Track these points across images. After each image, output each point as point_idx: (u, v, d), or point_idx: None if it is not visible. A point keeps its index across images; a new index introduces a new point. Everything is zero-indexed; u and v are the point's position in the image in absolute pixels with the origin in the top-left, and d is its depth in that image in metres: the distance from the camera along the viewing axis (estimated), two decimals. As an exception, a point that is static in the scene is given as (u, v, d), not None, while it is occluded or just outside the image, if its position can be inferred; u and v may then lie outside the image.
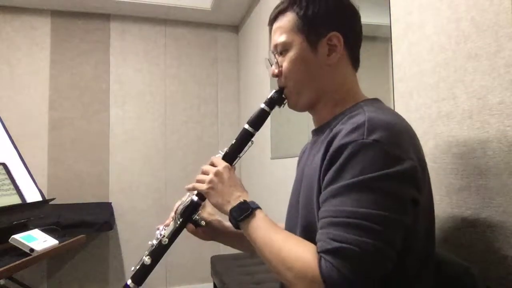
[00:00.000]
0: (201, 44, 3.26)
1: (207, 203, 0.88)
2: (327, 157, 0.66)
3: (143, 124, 3.06)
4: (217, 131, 3.25)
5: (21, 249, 1.31)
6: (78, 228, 2.28)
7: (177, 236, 0.85)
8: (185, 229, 0.87)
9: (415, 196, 0.62)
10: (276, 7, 0.82)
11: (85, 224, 2.37)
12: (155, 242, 0.86)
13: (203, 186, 0.80)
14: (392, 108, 0.78)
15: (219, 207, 0.79)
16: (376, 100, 0.78)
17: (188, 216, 0.86)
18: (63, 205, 2.67)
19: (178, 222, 0.85)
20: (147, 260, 0.85)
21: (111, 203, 2.88)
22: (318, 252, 0.59)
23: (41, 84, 2.84)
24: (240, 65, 3.35)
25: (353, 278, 0.55)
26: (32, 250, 1.31)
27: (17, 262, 1.21)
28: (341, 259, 0.56)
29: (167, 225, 0.88)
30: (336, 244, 0.57)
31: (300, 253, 0.62)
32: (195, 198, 0.85)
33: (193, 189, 0.83)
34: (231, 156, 0.85)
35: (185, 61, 3.20)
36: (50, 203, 1.75)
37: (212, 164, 0.83)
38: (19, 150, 1.76)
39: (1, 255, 1.28)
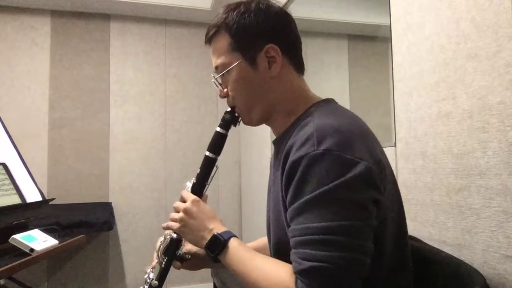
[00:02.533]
0: (201, 44, 3.23)
1: None
2: (284, 175, 0.67)
3: (143, 124, 3.06)
4: (217, 131, 3.24)
5: (21, 249, 1.31)
6: (78, 228, 2.27)
7: (166, 275, 0.85)
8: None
9: (375, 196, 0.62)
10: (208, 29, 0.81)
11: (85, 224, 2.36)
12: (146, 287, 0.85)
13: (175, 226, 0.81)
14: (348, 109, 0.77)
15: (195, 243, 0.80)
16: (327, 102, 0.79)
17: (172, 253, 0.86)
18: (63, 205, 2.67)
19: (164, 262, 0.85)
20: None
21: (111, 203, 2.88)
22: (294, 273, 0.61)
23: (41, 84, 2.84)
24: (240, 65, 3.34)
25: None
26: (32, 250, 1.31)
27: (17, 262, 1.21)
28: (315, 278, 0.57)
29: (153, 267, 0.87)
30: (308, 264, 0.58)
31: (277, 277, 0.63)
32: (175, 236, 0.85)
33: (168, 228, 0.83)
34: (199, 187, 0.85)
35: (185, 61, 3.20)
36: (50, 203, 1.75)
37: (182, 200, 0.83)
38: (19, 150, 1.76)
39: (1, 255, 1.28)
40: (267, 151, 2.51)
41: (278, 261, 0.68)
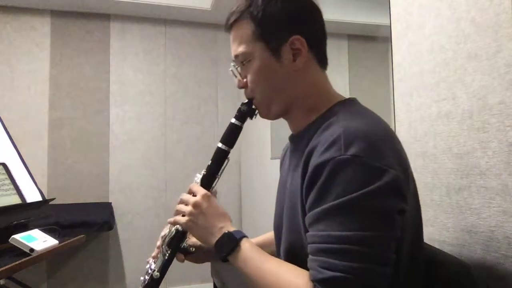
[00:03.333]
0: (201, 44, 3.26)
1: None
2: (307, 177, 0.63)
3: (143, 124, 3.06)
4: (217, 131, 3.25)
5: (21, 249, 1.31)
6: (78, 228, 2.27)
7: (168, 267, 0.83)
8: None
9: (401, 206, 0.60)
10: (231, 14, 0.75)
11: (85, 224, 2.36)
12: (146, 277, 0.83)
13: (183, 220, 0.76)
14: (368, 109, 0.75)
15: (202, 240, 0.76)
16: (351, 102, 0.75)
17: (176, 246, 0.83)
18: (63, 205, 2.66)
19: (167, 254, 0.82)
20: None
21: (111, 203, 2.88)
22: (312, 281, 0.58)
23: (41, 84, 2.84)
24: (240, 65, 3.34)
25: None
26: (32, 250, 1.31)
27: (17, 262, 1.21)
28: None
29: (155, 257, 0.85)
30: (328, 273, 0.55)
31: (293, 283, 0.60)
32: (180, 228, 0.81)
33: (174, 222, 0.79)
34: (209, 179, 0.80)
35: (185, 61, 3.20)
36: (50, 203, 1.75)
37: (191, 192, 0.79)
38: (19, 150, 1.76)
39: (1, 255, 1.28)
40: (267, 151, 2.51)
41: (293, 266, 0.65)
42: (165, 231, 0.85)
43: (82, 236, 1.71)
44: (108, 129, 2.97)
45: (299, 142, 0.75)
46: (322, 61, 0.78)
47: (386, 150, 0.61)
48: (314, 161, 0.62)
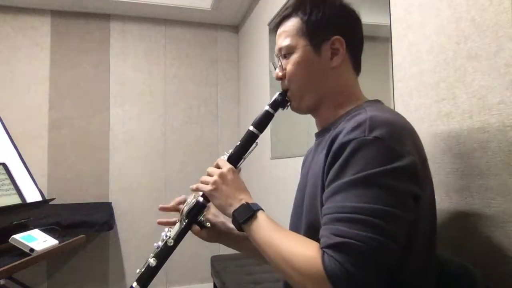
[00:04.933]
0: (201, 44, 3.26)
1: (211, 204, 0.88)
2: (330, 155, 0.67)
3: (143, 124, 3.06)
4: (217, 131, 3.25)
5: (21, 249, 1.31)
6: (78, 228, 2.28)
7: (183, 237, 0.86)
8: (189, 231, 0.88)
9: (416, 191, 0.62)
10: (282, 12, 0.84)
11: (85, 224, 2.37)
12: (160, 243, 0.86)
13: (207, 188, 0.81)
14: (392, 108, 0.78)
15: (221, 209, 0.79)
16: (377, 101, 0.80)
17: (194, 217, 0.87)
18: (63, 205, 2.67)
19: (184, 223, 0.86)
20: (152, 262, 0.85)
21: (111, 203, 2.88)
22: (321, 248, 0.60)
23: (41, 84, 2.84)
24: (240, 65, 3.35)
25: (356, 273, 0.55)
26: (32, 250, 1.31)
27: (17, 262, 1.21)
28: (344, 254, 0.56)
29: (172, 226, 0.88)
30: (339, 239, 0.57)
31: (302, 250, 0.63)
32: (201, 199, 0.86)
33: (197, 189, 0.84)
34: (236, 158, 0.86)
35: (185, 61, 3.20)
36: (50, 203, 1.75)
37: (217, 166, 0.84)
38: (19, 150, 1.76)
39: (1, 255, 1.28)
40: (267, 151, 2.51)
41: (305, 238, 0.68)
42: (186, 201, 0.89)
43: (82, 236, 1.71)
44: (108, 129, 2.97)
45: (324, 135, 0.79)
46: (357, 66, 0.84)
47: (407, 138, 0.64)
48: (338, 141, 0.66)
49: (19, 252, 1.30)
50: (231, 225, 0.87)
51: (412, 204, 0.61)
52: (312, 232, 0.70)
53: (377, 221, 0.57)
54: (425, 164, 0.68)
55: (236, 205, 0.76)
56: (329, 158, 0.67)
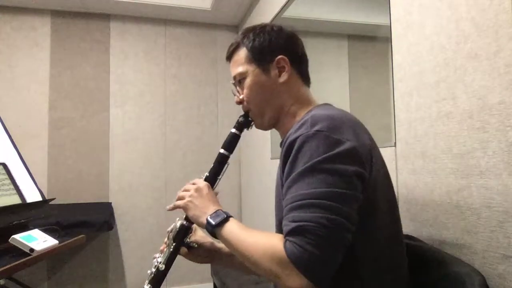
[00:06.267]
0: (201, 44, 3.26)
1: (197, 226, 0.96)
2: (282, 155, 0.76)
3: (143, 124, 3.06)
4: (217, 131, 3.25)
5: (21, 249, 1.31)
6: (78, 228, 2.27)
7: (173, 260, 0.91)
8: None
9: (360, 170, 0.69)
10: (230, 46, 0.95)
11: (85, 224, 2.36)
12: (153, 270, 0.91)
13: (183, 201, 0.87)
14: (343, 110, 0.84)
15: (196, 219, 0.85)
16: (326, 104, 0.89)
17: (180, 240, 0.93)
18: (63, 205, 2.67)
19: (172, 247, 0.91)
20: None
21: (111, 203, 2.88)
22: (284, 237, 0.67)
23: (41, 84, 2.84)
24: (240, 65, 3.34)
25: (315, 252, 0.62)
26: (32, 250, 1.31)
27: (17, 262, 1.21)
28: (302, 236, 0.63)
29: (162, 251, 0.93)
30: (295, 224, 0.65)
31: (266, 240, 0.70)
32: (185, 222, 0.92)
33: (174, 207, 0.90)
34: (211, 179, 0.93)
35: (185, 61, 3.20)
36: (50, 203, 1.75)
37: (194, 184, 0.91)
38: (19, 150, 1.76)
39: (1, 255, 1.28)
40: (267, 151, 2.51)
41: (273, 233, 0.75)
42: (171, 226, 0.95)
43: (82, 236, 1.71)
44: (108, 129, 2.97)
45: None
46: (305, 78, 0.93)
47: (345, 128, 0.72)
48: (288, 141, 0.74)
49: (19, 252, 1.30)
50: (220, 245, 0.95)
51: (358, 183, 0.68)
52: (281, 230, 0.76)
53: (327, 202, 0.64)
54: (365, 147, 0.73)
55: (210, 212, 0.82)
56: (282, 157, 0.76)
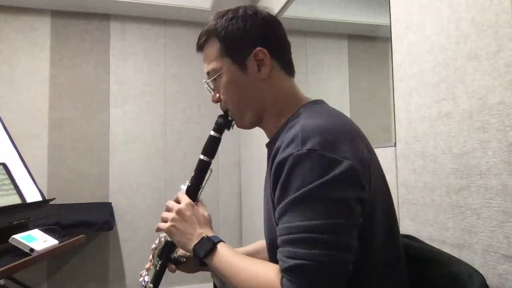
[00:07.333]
0: (201, 44, 3.25)
1: None
2: (272, 173, 0.67)
3: (143, 124, 3.06)
4: (217, 131, 3.24)
5: (21, 249, 1.31)
6: (78, 228, 2.27)
7: (161, 278, 0.87)
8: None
9: (359, 195, 0.62)
10: (199, 37, 0.83)
11: (85, 224, 2.36)
12: None
13: (165, 226, 0.80)
14: (334, 108, 0.79)
15: (182, 245, 0.79)
16: (315, 102, 0.80)
17: (167, 256, 0.87)
18: (63, 205, 2.66)
19: (158, 265, 0.86)
20: None
21: (111, 203, 2.88)
22: (280, 271, 0.61)
23: (41, 84, 2.84)
24: (240, 65, 3.34)
25: None
26: (32, 250, 1.31)
27: (17, 262, 1.22)
28: (300, 276, 0.58)
29: (148, 270, 0.88)
30: (292, 262, 0.59)
31: (262, 274, 0.64)
32: (169, 238, 0.85)
33: (158, 230, 0.83)
34: (194, 189, 0.85)
35: (185, 61, 3.20)
36: (50, 203, 1.75)
37: (177, 200, 0.84)
38: (19, 150, 1.76)
39: (1, 255, 1.28)
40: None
41: (266, 262, 0.69)
42: (156, 242, 0.89)
43: (82, 236, 1.71)
44: (108, 129, 2.97)
45: (270, 147, 0.79)
46: (288, 68, 0.82)
47: (341, 142, 0.63)
48: (277, 159, 0.66)
49: (19, 252, 1.30)
50: None
51: (357, 208, 0.62)
52: (272, 251, 0.71)
53: (324, 236, 0.58)
54: (364, 163, 0.65)
55: (196, 240, 0.75)
56: (272, 178, 0.68)
